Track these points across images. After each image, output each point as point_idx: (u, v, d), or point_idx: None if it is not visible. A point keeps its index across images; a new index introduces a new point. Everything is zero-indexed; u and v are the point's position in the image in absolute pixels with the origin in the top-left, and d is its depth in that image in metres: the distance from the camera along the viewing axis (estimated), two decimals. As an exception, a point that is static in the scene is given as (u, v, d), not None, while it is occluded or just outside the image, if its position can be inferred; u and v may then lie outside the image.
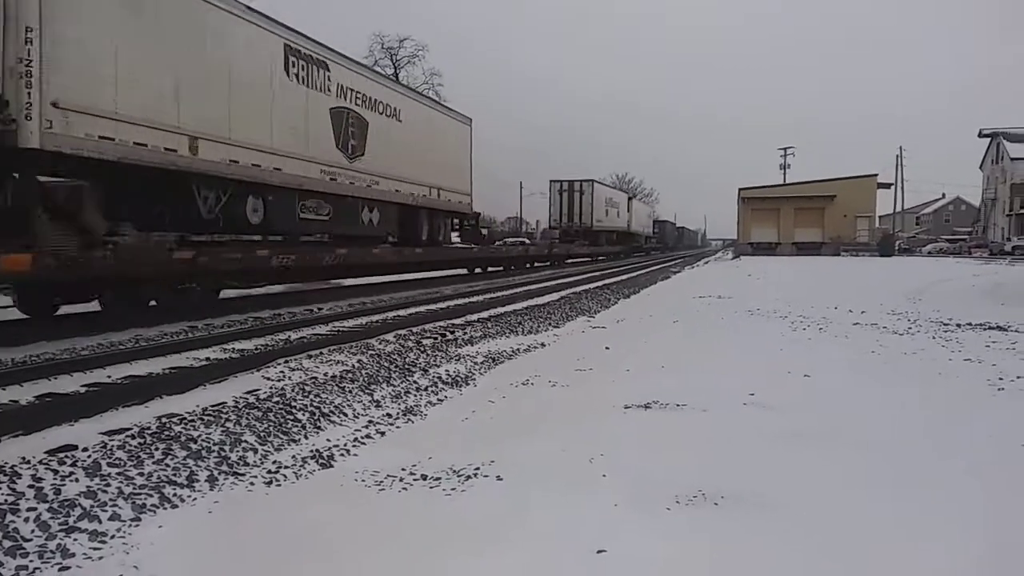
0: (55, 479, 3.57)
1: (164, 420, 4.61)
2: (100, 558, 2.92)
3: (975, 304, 13.49)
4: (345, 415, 5.23)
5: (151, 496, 3.53)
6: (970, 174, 74.64)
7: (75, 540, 3.04)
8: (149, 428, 4.42)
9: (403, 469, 3.94)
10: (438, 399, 5.86)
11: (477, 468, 3.91)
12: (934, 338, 8.88)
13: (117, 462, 3.85)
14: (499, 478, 3.78)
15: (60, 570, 2.82)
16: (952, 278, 22.69)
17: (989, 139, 63.64)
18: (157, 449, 4.08)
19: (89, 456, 3.89)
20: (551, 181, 42.07)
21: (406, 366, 6.96)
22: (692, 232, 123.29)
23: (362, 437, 4.69)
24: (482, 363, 7.36)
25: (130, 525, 3.25)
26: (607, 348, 8.20)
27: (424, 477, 3.82)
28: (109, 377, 6.17)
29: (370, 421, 5.10)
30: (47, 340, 7.99)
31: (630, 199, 54.00)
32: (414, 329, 9.35)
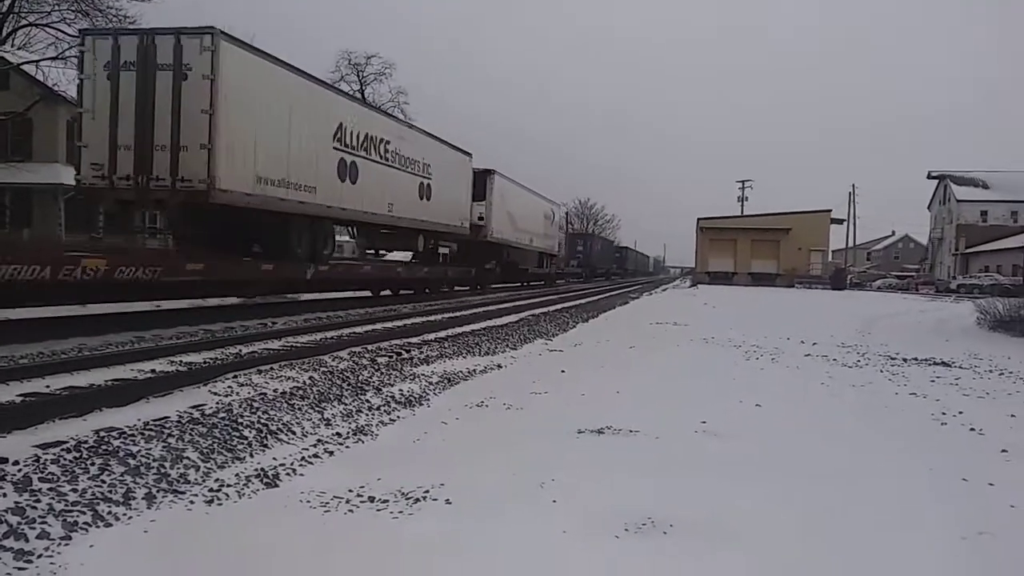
0: (-19, 494, 3.40)
1: (103, 434, 4.44)
2: (24, 578, 2.78)
3: (921, 339, 13.86)
4: (293, 433, 5.11)
5: (84, 514, 3.39)
6: (919, 213, 77.09)
7: (-2, 559, 2.90)
8: (86, 442, 4.25)
9: (350, 490, 3.85)
10: (390, 419, 5.77)
11: (426, 491, 3.85)
12: (881, 371, 9.07)
13: (50, 477, 3.69)
14: (448, 502, 3.72)
15: (-20, 590, 2.68)
16: (900, 313, 23.32)
17: (937, 180, 65.97)
18: (93, 464, 3.92)
19: (20, 470, 3.72)
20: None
21: (359, 384, 6.85)
22: (642, 256, 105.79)
23: (310, 456, 4.58)
24: (437, 383, 7.29)
25: (60, 544, 3.10)
26: (563, 371, 8.20)
27: (372, 499, 3.74)
28: (48, 387, 5.93)
29: (319, 440, 4.99)
30: (-16, 347, 7.68)
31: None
32: (369, 347, 9.23)
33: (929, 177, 66.47)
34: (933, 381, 8.37)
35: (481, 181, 24.32)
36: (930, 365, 9.82)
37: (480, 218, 24.16)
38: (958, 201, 60.45)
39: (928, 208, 70.41)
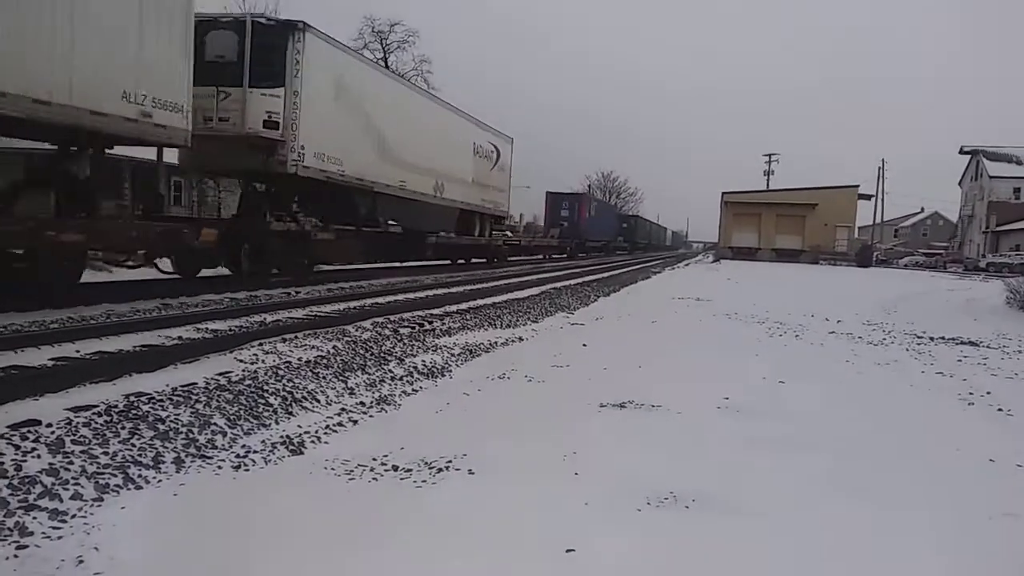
0: (16, 455, 3.48)
1: (132, 398, 4.52)
2: (59, 538, 2.86)
3: (949, 318, 13.67)
4: (318, 401, 5.17)
5: (115, 476, 3.46)
6: (949, 190, 75.46)
7: (34, 518, 2.97)
8: (116, 406, 4.32)
9: (374, 459, 3.89)
10: (413, 389, 5.82)
11: (449, 461, 3.88)
12: (907, 350, 8.97)
13: (81, 440, 3.76)
14: (471, 472, 3.76)
15: (17, 548, 2.75)
16: (927, 292, 23.00)
17: (969, 156, 64.53)
18: (123, 428, 3.99)
19: (53, 432, 3.80)
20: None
21: (382, 354, 6.90)
22: (657, 228, 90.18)
23: (334, 425, 4.64)
24: (459, 355, 7.32)
25: (92, 505, 3.18)
26: (584, 345, 8.19)
27: (395, 468, 3.79)
28: (78, 352, 6.05)
29: (343, 409, 5.05)
30: (16, 312, 7.83)
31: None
32: (392, 317, 9.28)
33: (961, 152, 65.02)
34: (960, 360, 8.26)
35: (270, 45, 12.33)
36: (957, 344, 9.69)
37: (271, 119, 12.32)
38: (991, 177, 59.12)
39: (959, 184, 69.00)
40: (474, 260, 25.25)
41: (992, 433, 5.05)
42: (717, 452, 4.27)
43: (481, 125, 23.67)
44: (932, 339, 10.11)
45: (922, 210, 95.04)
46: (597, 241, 48.49)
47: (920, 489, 3.79)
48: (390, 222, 17.25)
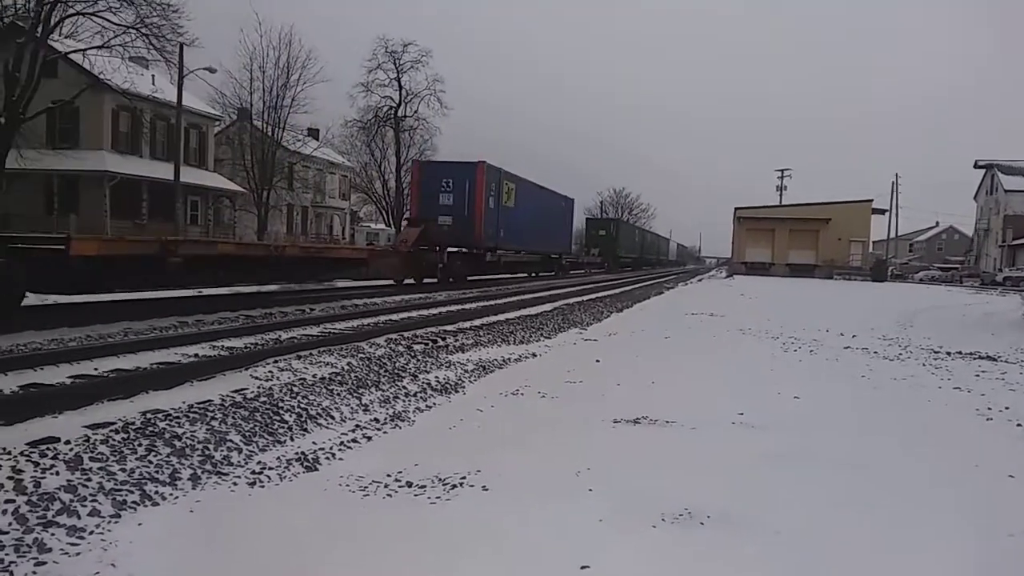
0: (35, 471, 3.51)
1: (149, 416, 4.56)
2: (77, 554, 2.88)
3: (966, 333, 13.53)
4: (332, 418, 5.19)
5: (132, 493, 3.49)
6: (964, 204, 74.86)
7: (52, 535, 3.00)
8: (133, 423, 4.36)
9: (388, 475, 3.90)
10: (427, 406, 5.83)
11: (463, 477, 3.88)
12: (924, 365, 8.89)
13: (99, 457, 3.80)
14: (485, 488, 3.76)
15: (36, 564, 2.77)
16: (944, 306, 22.79)
17: (984, 170, 64.12)
18: (140, 445, 4.03)
19: (71, 449, 3.84)
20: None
21: (396, 371, 6.93)
22: (656, 240, 79.89)
23: (348, 441, 4.65)
24: (472, 371, 7.33)
25: (110, 522, 3.20)
26: (598, 361, 8.18)
27: (409, 484, 3.79)
28: (96, 370, 6.12)
29: (357, 425, 5.06)
30: (35, 330, 7.92)
31: None
32: (405, 334, 9.31)
33: (976, 167, 64.63)
34: (978, 375, 8.18)
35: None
36: (975, 359, 9.59)
37: None
38: (1006, 191, 58.66)
39: (974, 198, 68.52)
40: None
41: (1011, 449, 4.99)
42: (732, 468, 4.24)
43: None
44: (949, 354, 10.02)
45: (937, 224, 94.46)
46: (521, 251, 29.70)
47: (939, 506, 3.74)
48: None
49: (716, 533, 3.26)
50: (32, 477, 3.45)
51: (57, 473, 3.54)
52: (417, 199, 24.34)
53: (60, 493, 3.33)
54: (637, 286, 29.25)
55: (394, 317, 11.63)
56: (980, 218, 66.27)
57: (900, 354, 9.85)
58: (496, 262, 26.87)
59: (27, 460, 3.63)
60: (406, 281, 20.68)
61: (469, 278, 23.52)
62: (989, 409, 6.22)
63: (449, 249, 23.00)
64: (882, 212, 60.29)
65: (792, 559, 3.02)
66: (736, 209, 59.29)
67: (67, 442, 3.95)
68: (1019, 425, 5.67)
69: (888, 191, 60.78)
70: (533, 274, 32.86)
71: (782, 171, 70.92)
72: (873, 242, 62.62)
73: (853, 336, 11.75)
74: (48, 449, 3.80)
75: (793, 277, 47.86)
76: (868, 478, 4.15)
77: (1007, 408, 6.26)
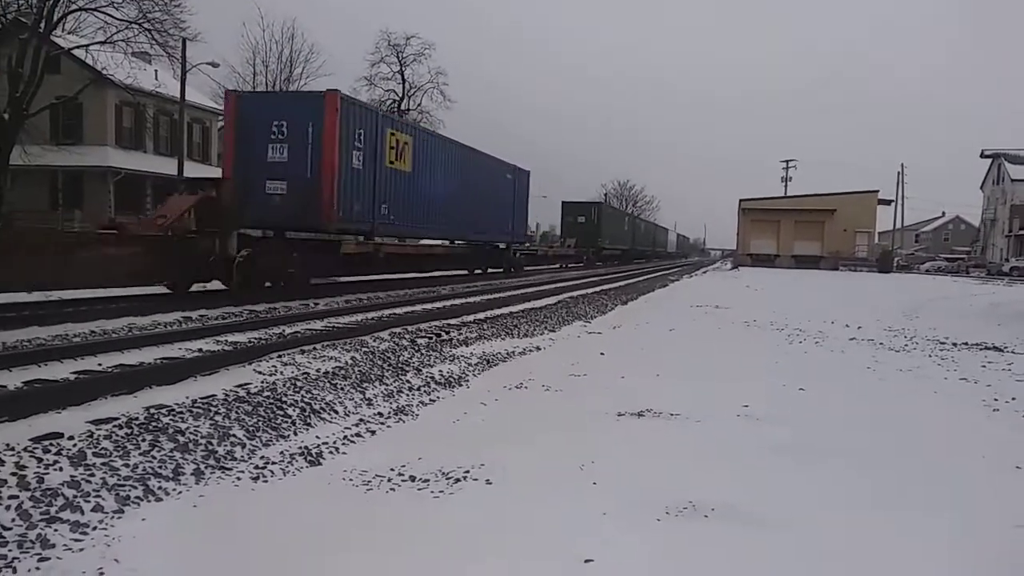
0: (39, 467, 3.52)
1: (152, 411, 4.56)
2: (81, 550, 2.88)
3: (972, 324, 13.48)
4: (336, 412, 5.18)
5: (135, 488, 3.49)
6: (971, 193, 74.42)
7: (56, 531, 3.00)
8: (137, 418, 4.36)
9: (392, 469, 3.90)
10: (430, 399, 5.82)
11: (467, 471, 3.87)
12: (930, 356, 8.85)
13: (103, 452, 3.80)
14: (488, 482, 3.75)
15: (39, 560, 2.77)
16: (950, 297, 22.70)
17: (991, 160, 63.78)
18: (144, 440, 4.03)
19: (75, 445, 3.84)
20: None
21: (399, 365, 6.92)
22: (652, 228, 71.51)
23: (352, 435, 4.64)
24: (476, 364, 7.32)
25: (113, 517, 3.20)
26: (602, 354, 8.16)
27: (412, 478, 3.78)
28: (100, 365, 6.12)
29: (361, 419, 5.06)
30: (39, 325, 7.94)
31: None
32: (409, 328, 9.31)
33: (982, 156, 64.29)
34: (984, 366, 8.14)
35: None
36: (981, 350, 9.54)
37: None
38: (1013, 181, 58.33)
39: (981, 188, 68.20)
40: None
41: (1018, 440, 4.96)
42: (737, 461, 4.23)
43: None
44: (955, 345, 9.97)
45: (943, 214, 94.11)
46: (426, 238, 21.38)
47: (946, 498, 3.72)
48: None
49: (720, 525, 3.24)
50: (36, 473, 3.45)
51: (60, 469, 3.54)
52: (231, 153, 14.25)
53: (64, 489, 3.33)
54: (641, 279, 29.15)
55: (398, 311, 11.64)
56: (987, 208, 65.95)
57: (906, 345, 9.81)
58: (370, 255, 15.65)
59: (31, 456, 3.63)
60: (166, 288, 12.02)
61: (314, 282, 14.18)
62: (996, 400, 6.19)
63: (288, 235, 14.02)
64: (888, 203, 60.07)
65: (797, 550, 3.00)
66: (741, 201, 59.11)
67: (71, 438, 3.95)
68: (1026, 416, 5.64)
69: (894, 182, 60.52)
70: (470, 271, 23.50)
71: (787, 162, 70.77)
72: (879, 233, 62.37)
73: (859, 327, 11.70)
74: (52, 445, 3.80)
75: (799, 269, 47.73)
76: (873, 470, 4.13)
77: (1013, 399, 6.23)
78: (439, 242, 21.52)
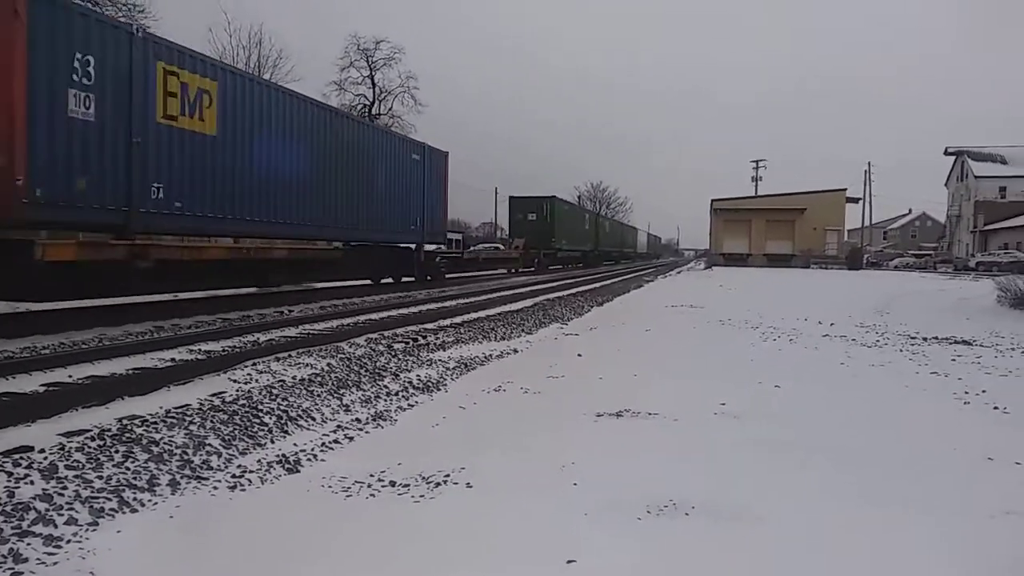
0: (9, 481, 3.44)
1: (125, 422, 4.49)
2: (55, 563, 2.82)
3: (941, 318, 13.72)
4: (313, 419, 5.14)
5: (110, 500, 3.42)
6: (936, 191, 75.86)
7: (28, 545, 2.93)
8: (109, 430, 4.30)
9: (371, 475, 3.87)
10: (409, 404, 5.79)
11: (447, 475, 3.86)
12: (901, 351, 9.00)
13: (75, 464, 3.73)
14: (469, 485, 3.73)
15: (12, 575, 2.71)
16: (919, 292, 23.08)
17: (955, 157, 65.04)
18: (117, 452, 3.96)
19: (46, 458, 3.77)
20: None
21: (377, 370, 6.88)
22: (619, 228, 67.62)
23: (330, 442, 4.60)
24: (454, 368, 7.30)
25: (87, 530, 3.14)
26: (579, 355, 8.18)
27: (393, 484, 3.76)
28: (70, 377, 6.01)
29: (339, 426, 5.02)
30: (6, 338, 7.77)
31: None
32: (386, 333, 9.26)
33: (946, 153, 65.56)
34: (954, 360, 8.29)
35: None
36: (951, 344, 9.72)
37: None
38: (976, 177, 59.60)
39: (945, 185, 69.52)
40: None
41: (989, 431, 5.05)
42: (715, 458, 4.26)
43: None
44: (926, 339, 10.15)
45: (910, 211, 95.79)
46: (264, 234, 13.48)
47: (920, 489, 3.78)
48: None
49: (701, 523, 3.26)
50: (6, 487, 3.38)
51: (32, 482, 3.47)
52: None
53: (35, 502, 3.26)
54: (618, 279, 29.26)
55: (374, 316, 11.57)
56: (952, 204, 67.24)
57: (878, 341, 9.96)
58: (121, 265, 9.65)
59: (0, 470, 3.55)
60: None
61: None
62: (966, 393, 6.31)
63: None
64: (856, 201, 61.02)
65: (778, 546, 3.03)
66: (713, 201, 59.68)
67: (41, 451, 3.88)
68: (996, 408, 5.75)
69: (861, 180, 61.48)
70: (359, 281, 18.85)
71: (757, 162, 71.56)
72: (848, 231, 63.37)
73: (831, 324, 11.86)
74: (22, 459, 3.73)
75: (771, 267, 48.26)
76: (850, 464, 4.18)
77: (984, 391, 6.35)
78: (292, 244, 14.54)
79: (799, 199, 56.26)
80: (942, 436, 4.86)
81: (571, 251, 43.68)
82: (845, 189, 58.45)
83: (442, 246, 23.38)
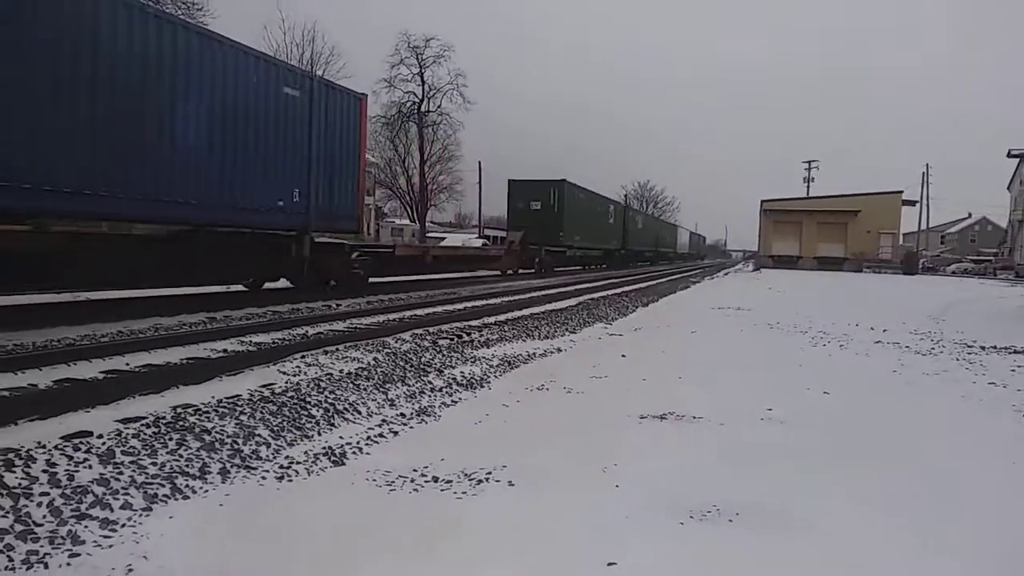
0: (69, 465, 3.58)
1: (179, 410, 4.62)
2: (110, 546, 2.93)
3: (1000, 327, 13.25)
4: (359, 413, 5.22)
5: (163, 486, 3.54)
6: (998, 194, 73.26)
7: (86, 527, 3.05)
8: (164, 418, 4.43)
9: (415, 470, 3.91)
10: (452, 401, 5.84)
11: (489, 472, 3.88)
12: (957, 359, 8.72)
13: (131, 450, 3.86)
14: (511, 483, 3.75)
15: (70, 556, 2.82)
16: (977, 299, 22.36)
17: (1018, 160, 62.66)
18: (171, 439, 4.08)
19: (104, 443, 3.90)
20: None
21: (421, 366, 6.95)
22: (650, 222, 57.63)
23: (375, 436, 4.67)
24: (498, 366, 7.33)
25: (141, 515, 3.25)
26: (623, 356, 8.14)
27: (436, 479, 3.80)
28: (127, 365, 6.21)
29: (384, 420, 5.09)
30: (67, 325, 8.06)
31: None
32: (431, 329, 9.34)
33: (1009, 156, 63.06)
34: (1014, 371, 8.00)
35: None
36: (1011, 353, 9.38)
37: None
38: (1041, 181, 57.36)
39: (1008, 188, 67.03)
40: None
41: (1049, 445, 4.87)
42: (760, 465, 4.19)
43: None
44: (983, 348, 9.82)
45: (969, 215, 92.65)
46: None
47: (978, 505, 3.67)
48: None
49: (744, 529, 3.22)
50: (66, 470, 3.51)
51: (90, 467, 3.60)
52: None
53: (93, 486, 3.39)
54: (663, 280, 28.94)
55: (419, 312, 11.68)
56: (1014, 209, 64.70)
57: (932, 348, 9.67)
58: None
59: (61, 454, 3.70)
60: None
61: None
62: (1025, 405, 6.09)
63: None
64: (912, 204, 59.30)
65: (822, 555, 2.97)
66: (763, 202, 58.60)
67: (100, 436, 4.02)
68: (1057, 421, 5.54)
69: (919, 182, 59.70)
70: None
71: (809, 163, 70.10)
72: (903, 234, 61.57)
73: (884, 330, 11.56)
74: (82, 443, 3.87)
75: (821, 270, 47.25)
76: (900, 474, 4.08)
77: (1044, 404, 6.12)
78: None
79: (853, 201, 54.84)
80: (1001, 450, 4.71)
81: (588, 249, 34.83)
82: (901, 191, 56.83)
83: (361, 237, 15.91)
